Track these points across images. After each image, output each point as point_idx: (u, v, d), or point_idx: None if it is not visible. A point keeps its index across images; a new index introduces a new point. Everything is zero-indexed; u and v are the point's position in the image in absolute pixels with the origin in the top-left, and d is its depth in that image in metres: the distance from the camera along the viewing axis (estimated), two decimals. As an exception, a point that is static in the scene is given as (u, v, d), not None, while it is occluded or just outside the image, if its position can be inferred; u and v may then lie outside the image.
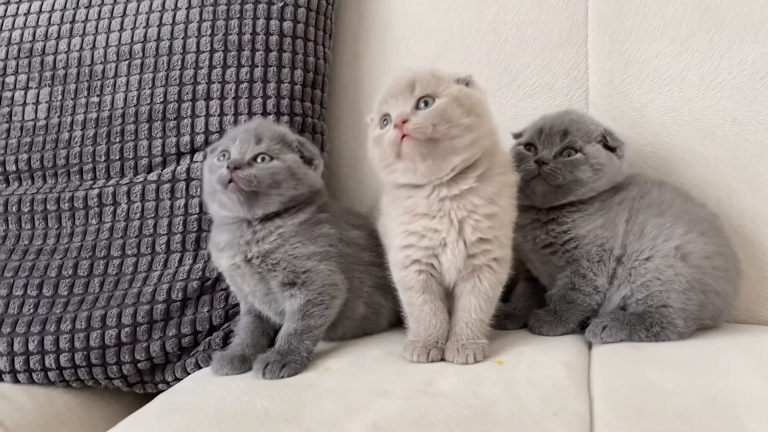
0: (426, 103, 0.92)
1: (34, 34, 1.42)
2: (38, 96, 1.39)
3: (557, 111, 1.20)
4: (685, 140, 1.27)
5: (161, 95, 1.31)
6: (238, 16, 1.33)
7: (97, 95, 1.35)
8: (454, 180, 0.95)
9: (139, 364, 1.16)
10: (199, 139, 1.29)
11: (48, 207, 1.32)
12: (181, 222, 1.25)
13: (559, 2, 1.37)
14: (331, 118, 1.47)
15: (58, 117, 1.36)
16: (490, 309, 1.02)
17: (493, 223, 0.97)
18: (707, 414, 0.77)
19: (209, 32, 1.32)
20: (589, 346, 1.07)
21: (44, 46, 1.41)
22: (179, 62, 1.32)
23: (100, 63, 1.37)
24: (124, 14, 1.39)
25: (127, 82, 1.34)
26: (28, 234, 1.32)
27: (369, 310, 1.15)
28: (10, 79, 1.41)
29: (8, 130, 1.38)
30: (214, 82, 1.30)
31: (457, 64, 1.41)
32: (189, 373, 1.16)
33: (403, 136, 0.90)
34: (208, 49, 1.32)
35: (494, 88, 1.38)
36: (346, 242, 1.11)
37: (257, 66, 1.31)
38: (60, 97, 1.37)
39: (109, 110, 1.33)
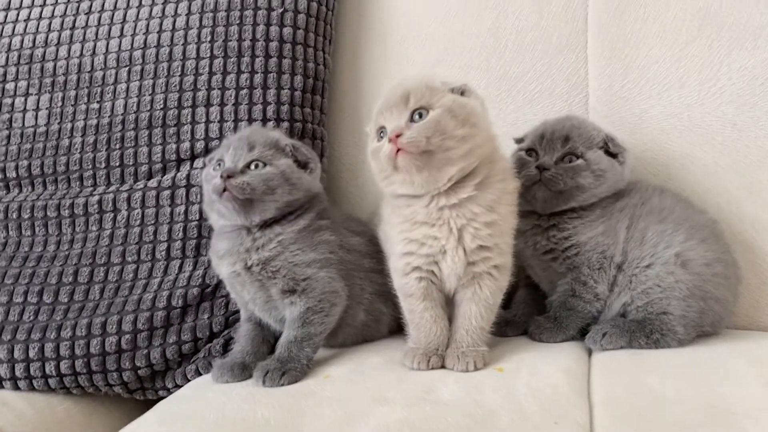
0: (420, 115, 0.92)
1: (34, 41, 1.43)
2: (38, 102, 1.39)
3: (559, 116, 1.20)
4: (684, 146, 1.27)
5: (161, 102, 1.31)
6: (237, 22, 1.33)
7: (97, 102, 1.36)
8: (453, 189, 0.95)
9: (139, 371, 1.16)
10: (199, 145, 1.29)
11: (48, 214, 1.32)
12: (181, 229, 1.25)
13: (559, 8, 1.37)
14: (331, 123, 1.48)
15: (58, 123, 1.37)
16: (490, 316, 1.02)
17: (492, 231, 0.97)
18: (708, 422, 0.77)
19: (209, 39, 1.33)
20: (589, 352, 1.07)
21: (44, 52, 1.41)
22: (179, 69, 1.32)
23: (100, 69, 1.37)
24: (124, 21, 1.39)
25: (127, 88, 1.34)
26: (29, 241, 1.32)
27: (369, 317, 1.15)
28: (10, 86, 1.41)
29: (8, 137, 1.38)
30: (214, 89, 1.30)
31: (457, 69, 1.41)
32: (189, 380, 1.16)
33: (398, 149, 0.90)
34: (208, 55, 1.32)
35: (494, 93, 1.38)
36: (347, 249, 1.11)
37: (257, 72, 1.31)
38: (60, 104, 1.38)
39: (109, 117, 1.34)
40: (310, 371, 1.01)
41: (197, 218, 1.25)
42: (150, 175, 1.31)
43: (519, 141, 1.22)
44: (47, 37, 1.42)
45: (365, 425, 0.80)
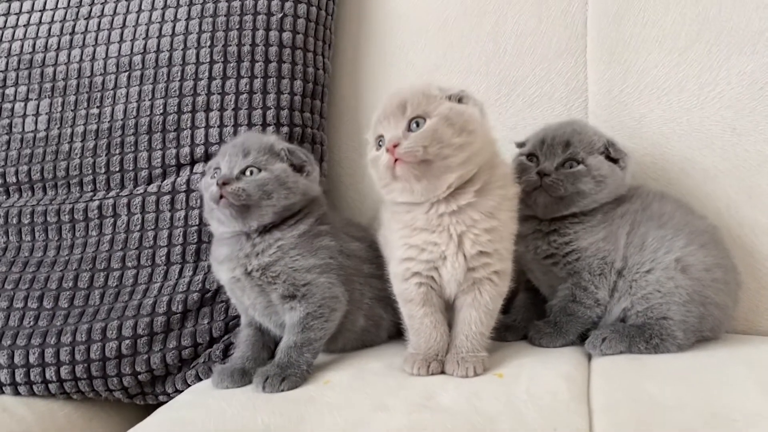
0: (417, 124, 0.92)
1: (34, 46, 1.43)
2: (38, 107, 1.39)
3: (560, 121, 1.20)
4: (684, 150, 1.27)
5: (161, 107, 1.31)
6: (237, 27, 1.33)
7: (97, 107, 1.35)
8: (453, 195, 0.95)
9: (139, 376, 1.16)
10: (199, 150, 1.29)
11: (48, 219, 1.32)
12: (181, 233, 1.25)
13: (558, 12, 1.37)
14: (331, 128, 1.48)
15: (58, 128, 1.37)
16: (490, 322, 1.02)
17: (492, 237, 0.97)
18: (707, 429, 0.77)
19: (209, 43, 1.33)
20: (589, 357, 1.07)
21: (44, 57, 1.41)
22: (179, 73, 1.32)
23: (100, 74, 1.37)
24: (124, 25, 1.39)
25: (127, 93, 1.34)
26: (29, 246, 1.32)
27: (369, 322, 1.15)
28: (10, 91, 1.41)
29: (8, 142, 1.38)
30: (214, 93, 1.30)
31: (457, 73, 1.41)
32: (189, 385, 1.16)
33: (396, 159, 0.90)
34: (208, 60, 1.32)
35: (493, 98, 1.38)
36: (347, 254, 1.11)
37: (257, 77, 1.32)
38: (60, 109, 1.38)
39: (108, 122, 1.34)
40: (310, 377, 1.01)
41: (197, 223, 1.25)
42: (150, 180, 1.31)
43: (520, 145, 1.21)
44: (47, 42, 1.42)
45: (365, 432, 0.80)
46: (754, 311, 1.23)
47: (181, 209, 1.27)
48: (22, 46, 1.43)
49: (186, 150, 1.29)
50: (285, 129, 1.31)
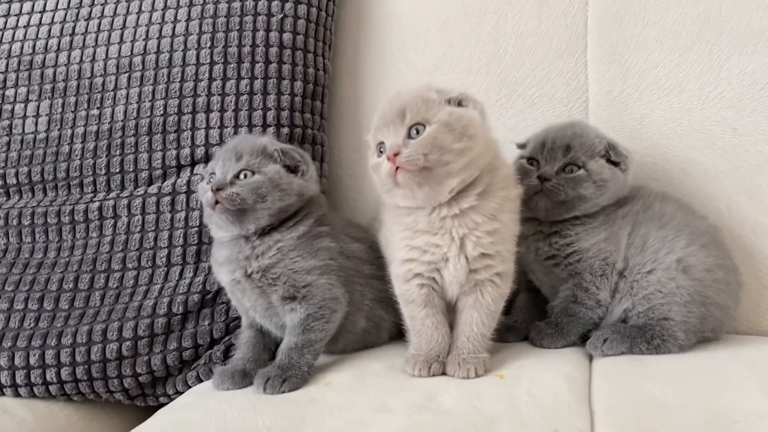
0: (417, 131, 0.92)
1: (34, 47, 1.43)
2: (38, 109, 1.39)
3: (561, 123, 1.19)
4: (684, 151, 1.27)
5: (161, 108, 1.31)
6: (237, 28, 1.33)
7: (97, 108, 1.35)
8: (455, 199, 0.95)
9: (140, 378, 1.16)
10: (200, 151, 1.29)
11: (48, 220, 1.32)
12: (181, 235, 1.25)
13: (559, 13, 1.37)
14: (331, 128, 1.47)
15: (58, 130, 1.36)
16: (491, 323, 1.02)
17: (494, 239, 0.97)
18: (709, 430, 0.77)
19: (209, 45, 1.33)
20: (590, 358, 1.07)
21: (44, 58, 1.41)
22: (179, 75, 1.32)
23: (100, 76, 1.37)
24: (124, 27, 1.39)
25: (127, 94, 1.34)
26: (29, 247, 1.32)
27: (370, 323, 1.15)
28: (10, 92, 1.41)
29: (8, 143, 1.38)
30: (214, 95, 1.30)
31: (457, 74, 1.41)
32: (190, 386, 1.16)
33: (397, 168, 0.90)
34: (208, 61, 1.32)
35: (494, 98, 1.38)
36: (347, 255, 1.11)
37: (257, 78, 1.31)
38: (60, 110, 1.37)
39: (109, 123, 1.34)
40: (310, 378, 1.01)
41: (197, 224, 1.25)
42: (150, 182, 1.31)
43: (521, 146, 1.21)
44: (47, 44, 1.42)
45: (367, 433, 0.80)
46: (755, 312, 1.23)
47: (182, 210, 1.26)
48: (22, 48, 1.43)
49: (186, 151, 1.29)
50: (285, 130, 1.31)
